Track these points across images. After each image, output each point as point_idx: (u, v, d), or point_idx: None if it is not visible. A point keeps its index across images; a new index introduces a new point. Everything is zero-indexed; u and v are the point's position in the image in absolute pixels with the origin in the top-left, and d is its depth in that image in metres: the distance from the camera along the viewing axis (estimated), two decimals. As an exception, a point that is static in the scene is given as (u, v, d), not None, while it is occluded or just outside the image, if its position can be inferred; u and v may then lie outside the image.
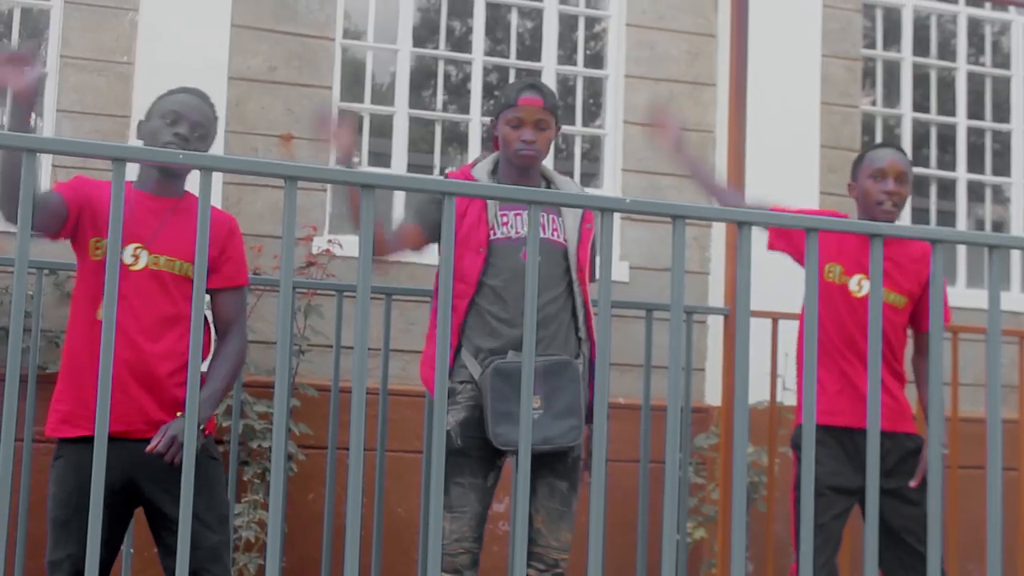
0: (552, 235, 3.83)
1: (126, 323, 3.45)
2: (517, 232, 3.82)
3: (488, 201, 3.81)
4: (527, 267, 2.63)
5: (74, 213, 3.56)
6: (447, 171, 4.12)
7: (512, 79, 7.00)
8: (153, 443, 3.42)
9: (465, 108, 6.92)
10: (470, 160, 4.29)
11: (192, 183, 3.60)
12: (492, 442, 3.66)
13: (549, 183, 3.99)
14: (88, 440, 3.27)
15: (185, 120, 3.63)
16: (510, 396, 3.62)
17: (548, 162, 6.67)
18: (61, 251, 3.78)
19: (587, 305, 3.86)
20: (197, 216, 2.49)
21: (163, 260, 3.57)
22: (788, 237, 4.29)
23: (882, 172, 4.27)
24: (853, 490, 4.18)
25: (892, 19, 7.68)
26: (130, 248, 3.54)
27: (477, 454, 3.74)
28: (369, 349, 2.57)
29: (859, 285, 4.28)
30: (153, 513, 3.59)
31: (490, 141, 4.03)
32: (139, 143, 3.80)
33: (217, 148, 6.02)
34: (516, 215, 3.84)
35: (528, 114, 3.83)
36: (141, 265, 3.55)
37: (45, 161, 5.96)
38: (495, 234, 3.80)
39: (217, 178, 5.84)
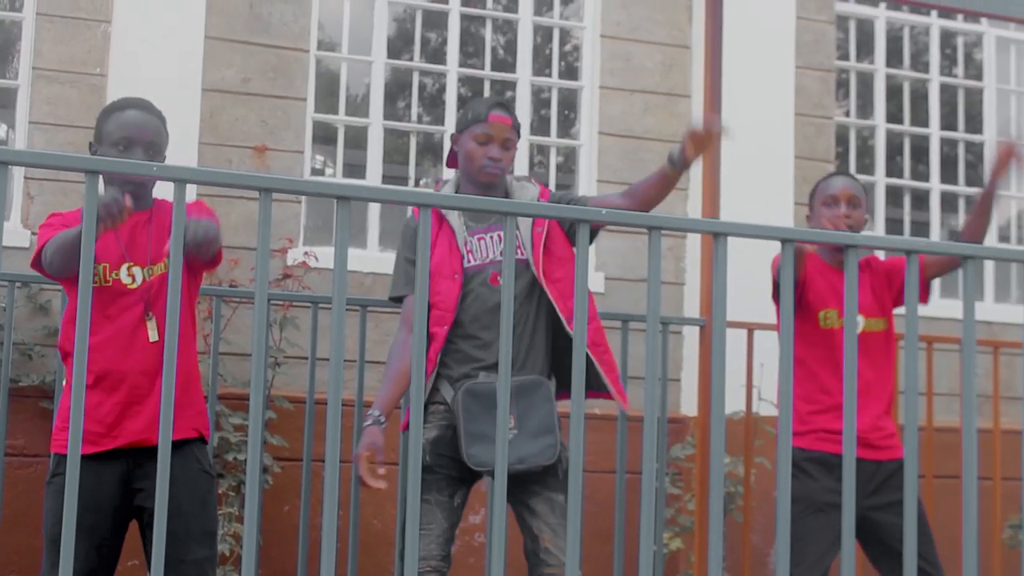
0: (517, 252, 3.78)
1: (136, 335, 3.47)
2: (485, 257, 3.79)
3: (455, 230, 3.78)
4: (503, 283, 2.62)
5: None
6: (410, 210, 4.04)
7: (488, 91, 7.00)
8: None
9: (440, 119, 6.91)
10: (443, 175, 4.28)
11: (167, 195, 3.58)
12: (466, 463, 3.64)
13: (508, 194, 3.93)
14: (91, 457, 3.25)
15: (138, 144, 3.55)
16: (482, 416, 3.61)
17: (523, 172, 6.69)
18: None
19: (558, 301, 3.77)
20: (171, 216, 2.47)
21: (154, 269, 3.56)
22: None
23: (834, 198, 4.35)
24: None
25: (865, 31, 7.72)
26: (124, 268, 3.53)
27: (445, 472, 3.71)
28: (345, 361, 2.55)
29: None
30: (147, 523, 3.57)
31: (448, 156, 3.99)
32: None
33: (191, 160, 6.02)
34: (479, 239, 3.80)
35: (497, 131, 3.80)
36: (138, 282, 3.54)
37: (17, 174, 5.92)
38: (467, 262, 3.78)
39: (191, 190, 5.81)
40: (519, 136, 3.89)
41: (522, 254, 3.77)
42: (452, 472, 3.70)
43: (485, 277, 3.76)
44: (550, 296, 3.75)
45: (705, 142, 3.73)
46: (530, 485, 3.68)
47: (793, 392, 4.32)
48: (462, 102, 6.92)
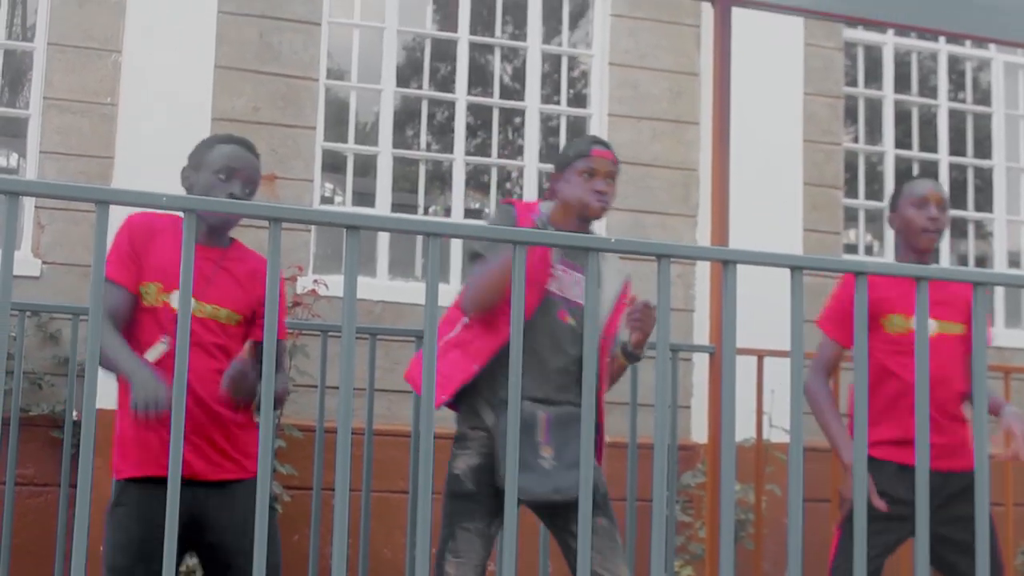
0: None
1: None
2: (561, 291, 3.79)
3: (551, 248, 3.77)
4: (585, 311, 2.63)
5: (135, 282, 3.51)
6: (504, 200, 4.04)
7: (496, 118, 7.01)
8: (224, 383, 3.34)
9: (449, 148, 6.93)
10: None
11: (237, 232, 3.60)
12: (503, 490, 3.63)
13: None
14: (154, 483, 3.23)
15: (239, 177, 3.58)
16: (521, 444, 3.60)
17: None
18: (43, 293, 3.76)
19: (602, 373, 3.83)
20: (249, 265, 2.47)
21: (210, 308, 3.54)
22: (839, 324, 4.26)
23: (924, 200, 4.30)
24: (905, 516, 4.05)
25: (873, 57, 7.74)
26: (176, 293, 3.51)
27: (487, 501, 3.70)
28: (354, 389, 2.55)
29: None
30: (210, 557, 3.56)
31: (546, 192, 3.98)
32: (181, 191, 3.69)
33: (201, 189, 6.02)
34: (564, 271, 3.81)
35: (601, 165, 3.81)
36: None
37: (27, 203, 5.95)
38: (551, 286, 3.77)
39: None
40: (619, 172, 3.90)
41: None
42: (492, 501, 3.69)
43: (557, 309, 3.75)
44: (599, 360, 3.77)
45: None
46: (572, 513, 3.68)
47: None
48: (471, 130, 6.95)
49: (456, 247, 6.37)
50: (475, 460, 3.72)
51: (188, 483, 3.41)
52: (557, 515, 3.69)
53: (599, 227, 6.84)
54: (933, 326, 4.25)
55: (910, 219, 4.33)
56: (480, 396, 3.75)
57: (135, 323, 3.48)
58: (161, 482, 3.22)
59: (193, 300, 3.48)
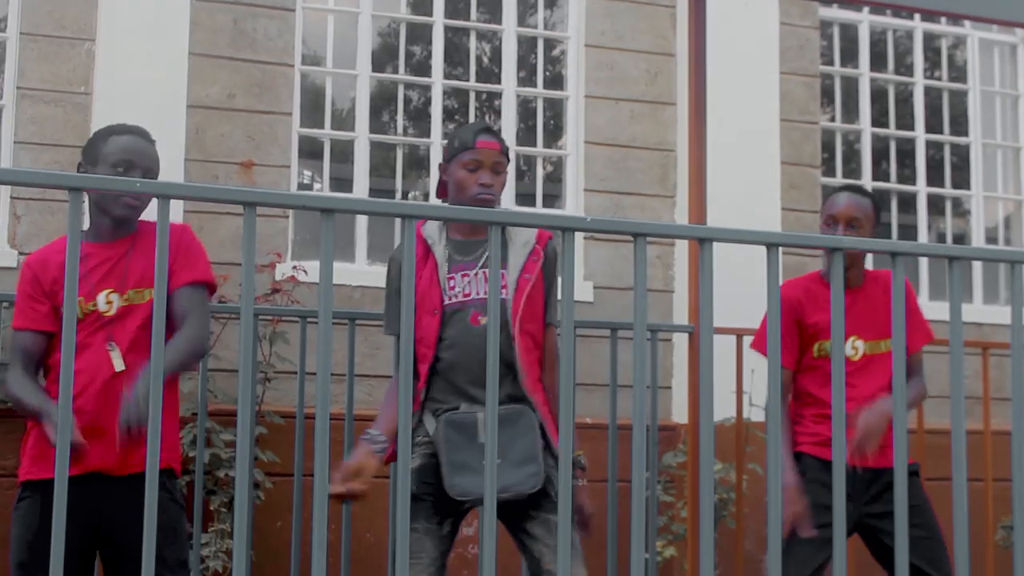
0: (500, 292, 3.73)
1: (101, 364, 3.44)
2: (464, 294, 3.76)
3: (439, 264, 3.74)
4: (488, 303, 2.63)
5: (51, 320, 3.54)
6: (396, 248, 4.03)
7: (473, 102, 7.00)
8: (121, 424, 3.29)
9: (426, 132, 6.92)
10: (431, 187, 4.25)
11: (151, 212, 3.58)
12: (447, 493, 3.63)
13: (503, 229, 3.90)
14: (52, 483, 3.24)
15: (138, 168, 3.55)
16: (464, 446, 3.60)
17: (510, 184, 6.70)
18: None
19: (523, 353, 3.74)
20: (155, 237, 2.47)
21: (132, 293, 3.54)
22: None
23: (833, 219, 4.36)
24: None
25: (849, 36, 7.75)
26: (102, 296, 3.52)
27: (432, 500, 3.69)
28: (333, 375, 2.55)
29: (854, 348, 4.29)
30: (112, 555, 3.56)
31: (438, 187, 3.95)
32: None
33: (178, 177, 6.01)
34: (463, 275, 3.76)
35: (486, 157, 3.76)
36: (115, 309, 3.52)
37: (3, 193, 5.92)
38: (446, 299, 3.75)
39: (177, 206, 5.81)
40: (508, 160, 3.87)
41: (504, 294, 3.72)
42: (439, 500, 3.68)
43: (466, 315, 3.72)
44: (516, 345, 3.70)
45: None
46: (526, 510, 3.67)
47: (801, 409, 4.32)
48: (448, 114, 6.94)
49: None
50: (417, 462, 3.71)
51: (95, 478, 3.42)
52: (509, 514, 3.66)
53: (578, 209, 6.84)
54: (861, 348, 4.30)
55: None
56: (425, 409, 3.75)
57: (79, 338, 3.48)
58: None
59: (116, 297, 3.53)
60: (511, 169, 6.87)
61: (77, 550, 3.46)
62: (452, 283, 3.74)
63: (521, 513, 3.69)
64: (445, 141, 4.03)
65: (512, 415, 3.66)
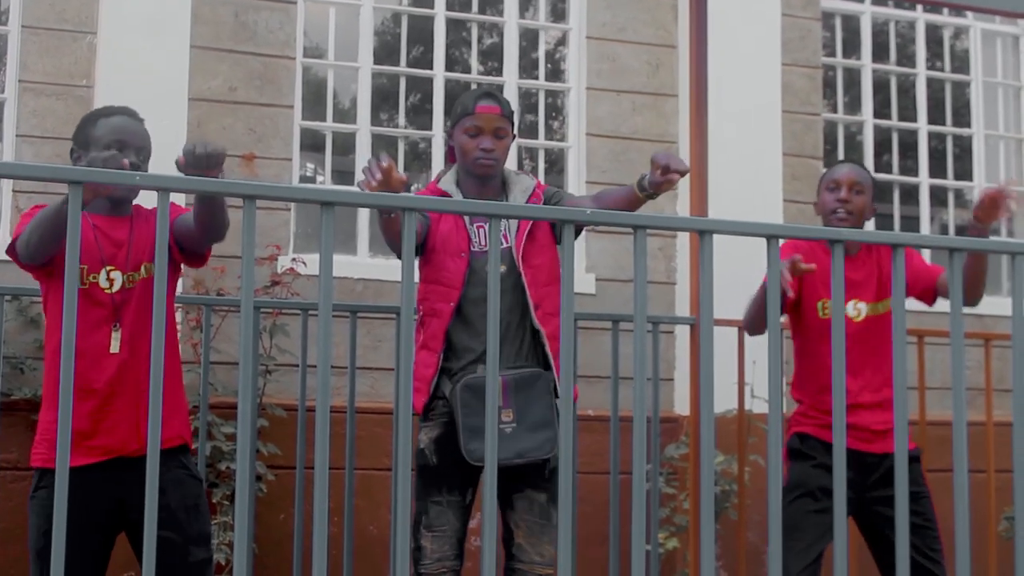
0: (502, 241, 3.79)
1: (92, 350, 3.43)
2: (483, 244, 3.80)
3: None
4: (489, 280, 2.63)
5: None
6: (414, 189, 4.11)
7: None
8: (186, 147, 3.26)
9: (427, 125, 6.91)
10: (433, 177, 4.27)
11: (144, 202, 3.58)
12: (465, 458, 3.64)
13: (505, 184, 3.97)
14: (73, 470, 3.23)
15: (130, 147, 3.54)
16: (480, 411, 3.61)
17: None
18: (24, 277, 3.74)
19: (532, 288, 3.78)
20: (153, 217, 2.47)
21: (141, 271, 3.54)
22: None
23: (836, 183, 4.36)
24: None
25: (851, 27, 7.73)
26: (104, 273, 3.51)
27: (453, 471, 3.71)
28: (335, 367, 2.55)
29: (856, 310, 4.29)
30: (139, 534, 3.56)
31: (446, 153, 4.02)
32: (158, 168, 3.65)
33: (179, 169, 6.00)
34: (479, 228, 3.83)
35: (486, 122, 3.82)
36: (117, 287, 3.52)
37: (5, 186, 5.92)
38: (473, 246, 3.79)
39: (177, 199, 5.80)
40: (513, 124, 3.90)
41: (506, 241, 3.79)
42: (459, 470, 3.70)
43: (485, 263, 3.77)
44: (524, 280, 3.76)
45: (671, 182, 3.73)
46: (514, 481, 3.69)
47: (805, 384, 4.32)
48: (449, 107, 6.91)
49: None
50: (436, 431, 3.74)
51: (116, 463, 3.42)
52: (518, 479, 3.70)
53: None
54: (863, 310, 4.29)
55: (824, 202, 4.39)
56: (442, 373, 3.77)
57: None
58: (79, 470, 3.21)
59: (119, 274, 3.52)
60: (513, 159, 6.87)
61: (101, 533, 3.48)
62: (479, 228, 3.81)
63: (509, 483, 3.71)
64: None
65: (530, 378, 3.69)
